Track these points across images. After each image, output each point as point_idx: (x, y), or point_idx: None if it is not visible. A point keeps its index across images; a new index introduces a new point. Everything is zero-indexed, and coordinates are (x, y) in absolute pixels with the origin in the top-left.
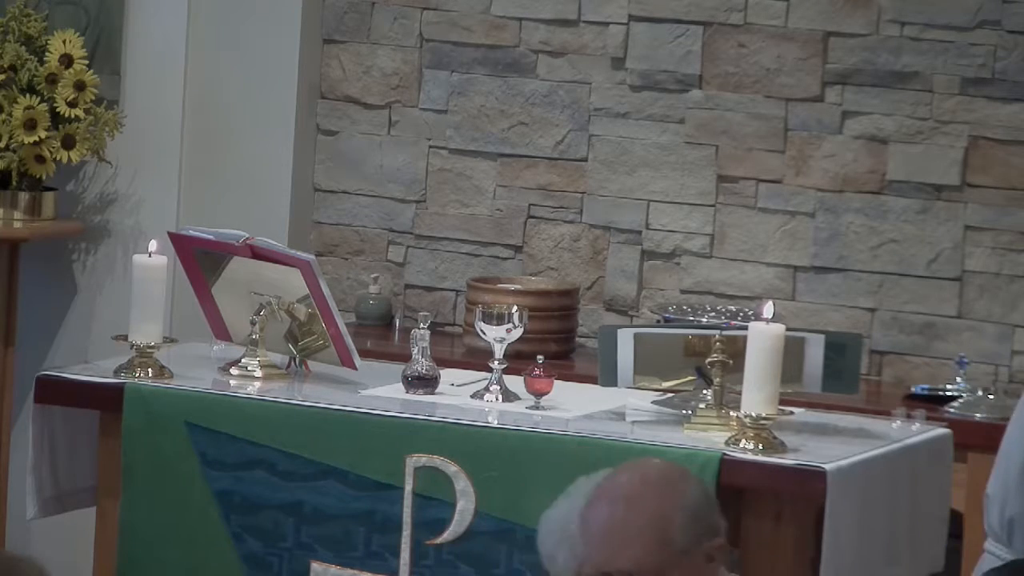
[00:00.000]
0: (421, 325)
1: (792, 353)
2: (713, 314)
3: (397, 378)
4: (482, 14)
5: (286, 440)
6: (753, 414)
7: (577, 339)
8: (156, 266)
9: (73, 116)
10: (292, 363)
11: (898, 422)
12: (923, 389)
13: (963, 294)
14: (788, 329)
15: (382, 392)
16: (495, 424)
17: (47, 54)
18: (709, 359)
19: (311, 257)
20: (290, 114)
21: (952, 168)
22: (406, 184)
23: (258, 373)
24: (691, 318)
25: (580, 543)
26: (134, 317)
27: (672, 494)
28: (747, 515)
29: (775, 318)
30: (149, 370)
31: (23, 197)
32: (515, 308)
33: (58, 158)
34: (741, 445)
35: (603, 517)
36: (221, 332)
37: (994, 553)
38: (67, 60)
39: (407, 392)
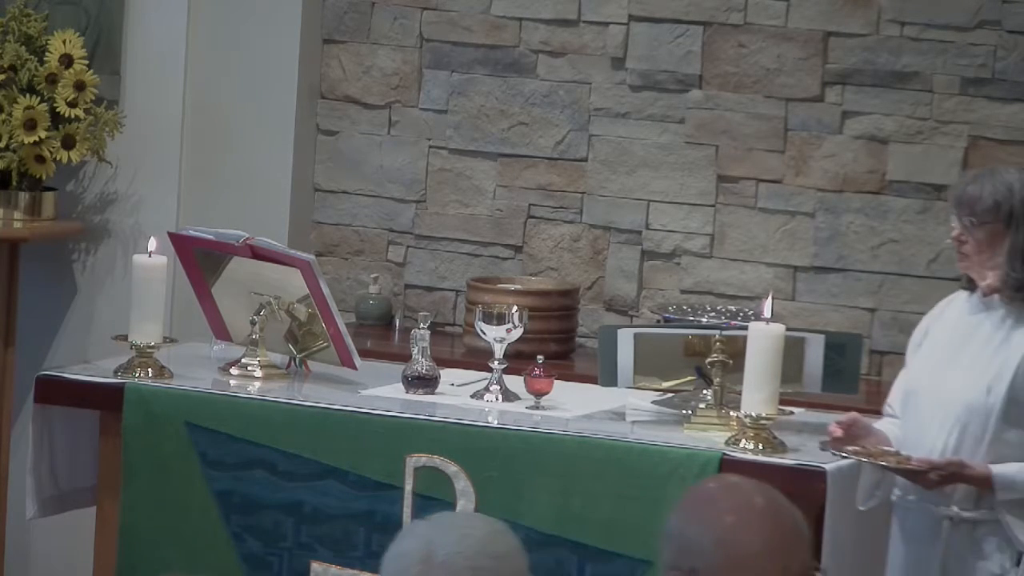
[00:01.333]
0: (421, 325)
1: (792, 353)
2: (713, 314)
3: (397, 378)
4: (482, 14)
5: (286, 440)
6: (753, 414)
7: (577, 339)
8: (156, 266)
9: (73, 116)
10: (292, 363)
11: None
12: None
13: None
14: (788, 329)
15: (382, 392)
16: (495, 424)
17: (47, 54)
18: (709, 359)
19: (311, 257)
20: (290, 114)
21: (952, 168)
22: (406, 184)
23: (258, 373)
24: (691, 318)
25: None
26: (134, 317)
27: (782, 497)
28: None
29: (774, 317)
30: (149, 370)
31: (23, 197)
32: (515, 308)
33: (58, 158)
34: (741, 445)
35: (763, 533)
36: (221, 332)
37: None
38: (67, 60)
39: (407, 392)
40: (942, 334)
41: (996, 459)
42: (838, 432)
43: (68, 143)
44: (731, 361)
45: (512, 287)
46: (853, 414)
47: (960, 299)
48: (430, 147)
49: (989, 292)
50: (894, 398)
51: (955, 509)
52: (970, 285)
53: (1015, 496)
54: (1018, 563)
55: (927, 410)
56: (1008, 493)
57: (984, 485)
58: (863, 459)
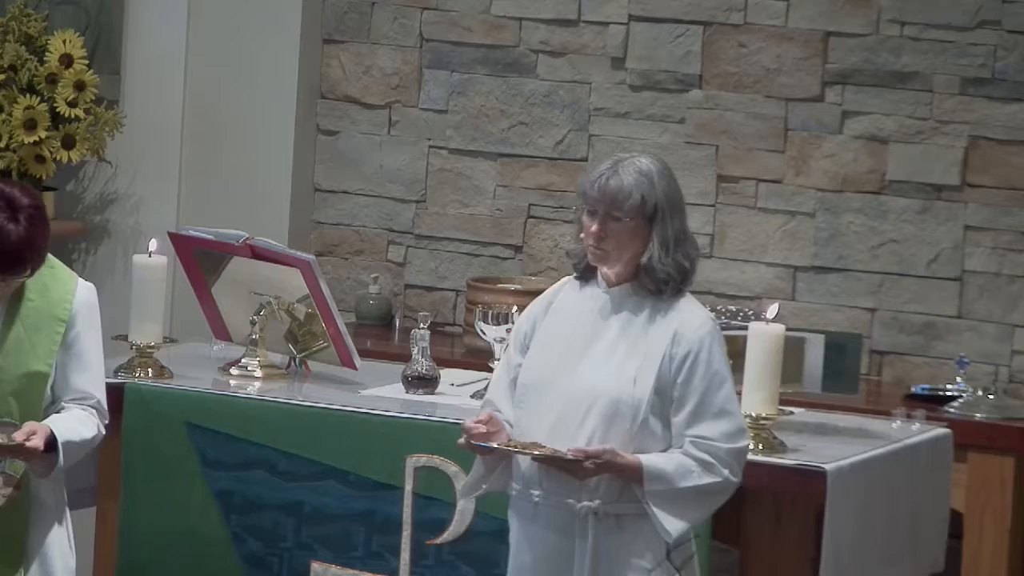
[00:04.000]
0: (421, 325)
1: (792, 353)
2: (713, 314)
3: (397, 378)
4: (482, 14)
5: (286, 440)
6: (753, 414)
7: None
8: (156, 266)
9: (73, 116)
10: (292, 363)
11: (898, 422)
12: (923, 389)
13: (963, 294)
14: (788, 329)
15: (382, 392)
16: None
17: (47, 54)
18: None
19: (311, 257)
20: (290, 114)
21: (952, 168)
22: (406, 184)
23: (258, 373)
24: None
25: None
26: (134, 317)
27: None
28: (747, 515)
29: (777, 318)
30: (149, 370)
31: None
32: (515, 308)
33: (58, 158)
34: None
35: None
36: (221, 332)
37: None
38: (67, 60)
39: (407, 392)
40: (561, 326)
41: (640, 450)
42: (481, 428)
43: (68, 143)
44: (731, 361)
45: (512, 287)
46: (488, 411)
47: (570, 289)
48: (430, 147)
49: (616, 283)
50: (497, 394)
51: (598, 503)
52: (584, 275)
53: (662, 487)
54: (667, 555)
55: (560, 403)
56: (656, 484)
57: (633, 475)
58: (514, 452)
